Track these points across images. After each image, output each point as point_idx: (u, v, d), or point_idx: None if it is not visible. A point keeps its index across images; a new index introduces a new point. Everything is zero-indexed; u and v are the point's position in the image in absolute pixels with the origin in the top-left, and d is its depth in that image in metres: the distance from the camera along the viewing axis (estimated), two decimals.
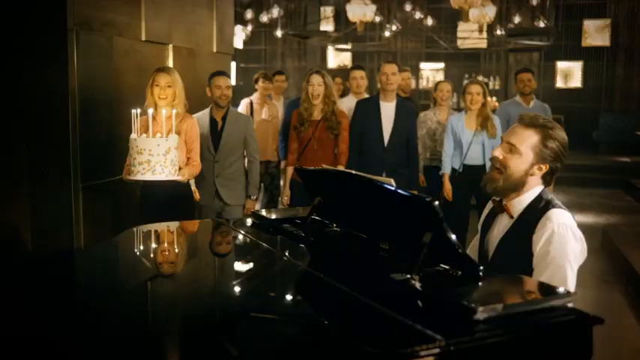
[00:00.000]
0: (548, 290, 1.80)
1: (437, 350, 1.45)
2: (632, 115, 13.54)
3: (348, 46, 15.28)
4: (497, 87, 14.64)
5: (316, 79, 4.98)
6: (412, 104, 5.80)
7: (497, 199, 2.36)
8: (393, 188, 2.07)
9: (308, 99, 4.99)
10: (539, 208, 2.25)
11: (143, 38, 5.15)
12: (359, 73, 6.13)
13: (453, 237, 1.84)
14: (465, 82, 6.03)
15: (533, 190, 2.31)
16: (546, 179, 2.33)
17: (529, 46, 13.16)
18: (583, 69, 14.33)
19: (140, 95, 4.30)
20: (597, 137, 13.18)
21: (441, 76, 15.13)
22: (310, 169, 2.63)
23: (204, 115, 4.88)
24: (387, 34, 14.07)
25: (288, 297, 2.07)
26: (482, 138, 5.47)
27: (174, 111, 3.91)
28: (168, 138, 3.74)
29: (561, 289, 1.78)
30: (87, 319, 1.84)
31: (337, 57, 16.22)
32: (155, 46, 5.32)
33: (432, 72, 14.81)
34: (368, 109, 5.27)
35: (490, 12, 11.52)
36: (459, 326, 1.55)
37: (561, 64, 14.37)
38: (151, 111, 3.81)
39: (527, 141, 2.26)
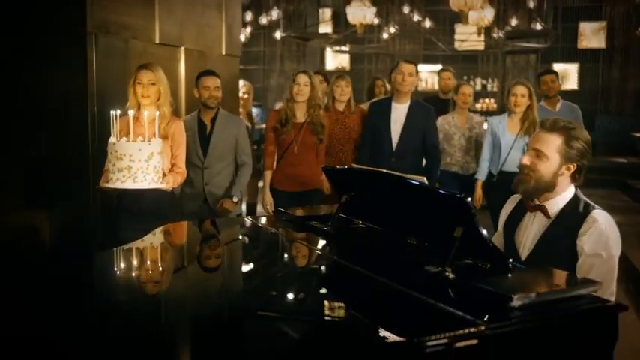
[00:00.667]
0: (575, 280, 1.93)
1: (478, 334, 1.56)
2: (628, 117, 13.70)
3: (347, 48, 15.40)
4: (494, 89, 14.80)
5: (302, 79, 4.66)
6: (428, 106, 5.23)
7: (534, 203, 2.46)
8: (425, 186, 2.18)
9: (292, 99, 4.66)
10: (579, 209, 2.39)
11: (157, 41, 5.25)
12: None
13: (484, 232, 1.96)
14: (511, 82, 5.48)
15: (568, 191, 2.45)
16: (575, 177, 2.46)
17: (526, 49, 13.32)
18: (579, 71, 14.50)
19: None
20: (593, 138, 13.21)
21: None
22: (339, 168, 2.74)
23: (192, 117, 4.58)
24: (385, 36, 14.22)
25: (331, 289, 2.17)
26: (524, 144, 4.96)
27: (157, 112, 3.60)
28: (151, 142, 3.39)
29: (587, 279, 1.90)
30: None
31: (336, 59, 16.34)
32: (168, 48, 5.42)
33: (430, 74, 14.91)
34: (379, 111, 5.01)
35: (489, 14, 11.68)
36: (496, 312, 1.67)
37: (557, 66, 14.50)
38: (131, 112, 3.52)
39: (552, 145, 2.39)
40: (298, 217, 2.88)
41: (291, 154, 4.68)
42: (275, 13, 14.65)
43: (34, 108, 4.46)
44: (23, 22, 4.43)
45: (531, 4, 12.99)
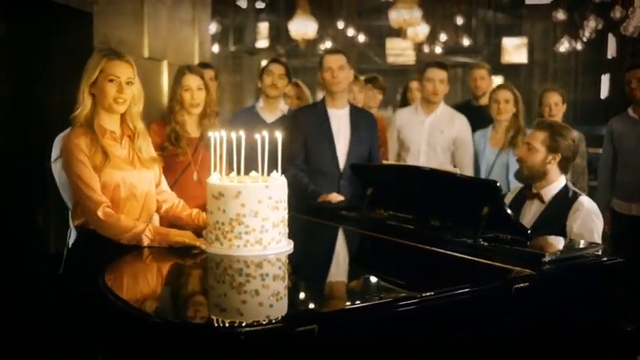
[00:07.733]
0: (584, 243, 2.52)
1: (530, 278, 2.13)
2: None
3: (284, 61, 15.90)
4: None
5: (194, 82, 3.41)
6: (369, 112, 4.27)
7: (534, 191, 3.04)
8: (458, 174, 2.72)
9: (183, 109, 3.44)
10: (568, 196, 2.98)
11: (146, 55, 5.60)
12: (439, 74, 4.27)
13: (509, 210, 2.51)
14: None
15: (559, 180, 3.03)
16: (562, 166, 3.04)
17: (457, 63, 14.25)
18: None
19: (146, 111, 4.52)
20: None
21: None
22: (369, 164, 3.20)
23: None
24: (321, 49, 14.82)
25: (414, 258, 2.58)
26: (508, 157, 4.12)
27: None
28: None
29: (594, 243, 2.50)
30: None
31: None
32: (154, 62, 5.77)
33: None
34: (311, 121, 3.89)
35: (423, 30, 12.49)
36: (535, 264, 2.22)
37: None
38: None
39: (538, 138, 3.01)
40: (331, 208, 3.32)
41: (189, 181, 3.41)
42: (213, 27, 15.03)
43: (48, 118, 4.71)
44: (38, 37, 4.71)
45: (459, 21, 13.94)
